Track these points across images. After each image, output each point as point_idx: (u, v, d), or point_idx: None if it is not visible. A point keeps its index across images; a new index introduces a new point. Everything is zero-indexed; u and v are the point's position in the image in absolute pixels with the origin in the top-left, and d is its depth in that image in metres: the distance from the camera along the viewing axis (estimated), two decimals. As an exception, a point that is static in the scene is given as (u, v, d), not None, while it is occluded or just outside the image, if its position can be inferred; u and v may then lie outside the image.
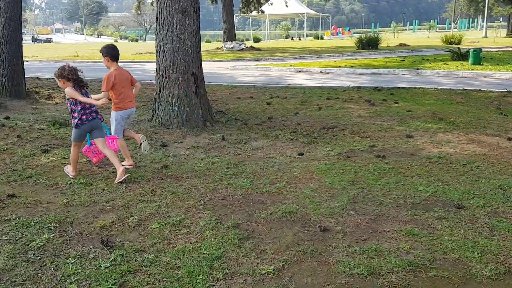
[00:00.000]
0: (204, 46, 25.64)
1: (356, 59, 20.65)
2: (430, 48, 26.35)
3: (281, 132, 6.75)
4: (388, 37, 33.53)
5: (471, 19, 77.50)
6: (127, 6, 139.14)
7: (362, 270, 2.86)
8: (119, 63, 5.10)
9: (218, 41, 44.65)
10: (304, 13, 53.14)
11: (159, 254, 3.10)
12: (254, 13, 40.52)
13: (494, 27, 59.73)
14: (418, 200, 4.03)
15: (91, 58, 23.90)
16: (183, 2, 6.83)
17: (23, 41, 10.15)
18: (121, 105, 5.06)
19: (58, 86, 6.41)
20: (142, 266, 2.95)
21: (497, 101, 9.15)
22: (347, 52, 24.53)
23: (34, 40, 64.09)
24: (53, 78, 8.74)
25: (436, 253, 3.08)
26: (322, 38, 51.26)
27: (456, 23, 68.86)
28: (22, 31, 10.23)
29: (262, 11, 41.34)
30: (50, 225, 3.58)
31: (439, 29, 74.55)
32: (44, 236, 3.37)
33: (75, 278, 2.81)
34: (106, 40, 72.64)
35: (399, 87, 11.34)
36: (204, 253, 3.10)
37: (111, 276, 2.83)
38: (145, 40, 75.65)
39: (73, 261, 3.02)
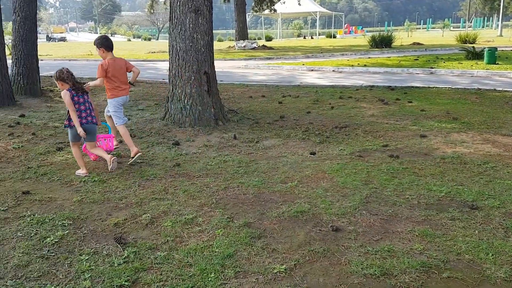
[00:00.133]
0: (216, 45, 25.66)
1: (369, 57, 20.51)
2: (444, 47, 26.06)
3: (293, 131, 6.74)
4: (402, 36, 33.22)
5: (486, 18, 76.53)
6: (140, 5, 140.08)
7: (375, 270, 2.84)
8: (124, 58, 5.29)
9: (230, 40, 44.70)
10: (316, 12, 52.93)
11: (172, 252, 3.12)
12: (267, 11, 40.45)
13: (510, 25, 58.92)
14: (432, 200, 3.99)
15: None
16: (196, 1, 6.84)
17: (38, 40, 10.27)
18: (114, 92, 5.37)
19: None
20: (154, 264, 2.97)
21: (513, 100, 9.02)
22: (360, 51, 24.38)
23: (49, 39, 64.79)
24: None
25: (450, 254, 3.05)
26: (334, 37, 51.01)
27: (471, 22, 68.01)
28: (37, 30, 10.36)
29: (275, 10, 41.29)
30: (65, 222, 3.62)
31: (453, 28, 73.80)
32: (58, 232, 3.41)
33: (89, 275, 2.84)
34: (120, 39, 73.14)
35: (412, 86, 11.24)
36: (216, 251, 3.11)
37: (124, 273, 2.85)
38: (157, 39, 76.00)
39: (86, 257, 3.05)
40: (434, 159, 5.21)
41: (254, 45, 29.45)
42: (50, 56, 26.09)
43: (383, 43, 26.31)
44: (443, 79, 13.28)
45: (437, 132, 6.49)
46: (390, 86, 11.26)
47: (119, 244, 3.23)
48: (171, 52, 7.12)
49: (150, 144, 6.02)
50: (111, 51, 5.34)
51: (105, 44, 5.29)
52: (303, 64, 17.84)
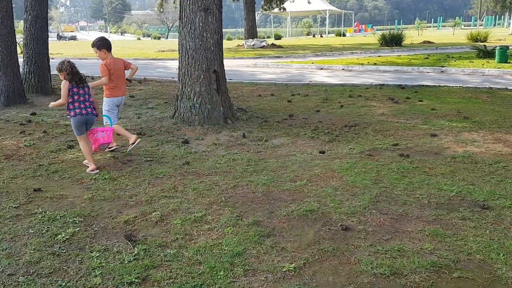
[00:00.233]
0: (225, 44, 25.68)
1: (379, 56, 20.39)
2: (455, 46, 25.84)
3: (302, 130, 6.73)
4: (412, 34, 32.94)
5: (497, 16, 75.66)
6: (150, 4, 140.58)
7: (385, 270, 2.83)
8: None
9: (239, 39, 44.67)
10: (326, 10, 52.69)
11: (181, 250, 3.14)
12: (276, 10, 40.39)
13: (522, 24, 58.15)
14: (443, 200, 3.96)
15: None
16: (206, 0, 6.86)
17: (49, 39, 10.36)
18: (112, 92, 5.51)
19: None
20: (164, 261, 2.99)
21: (525, 99, 8.93)
22: (370, 49, 24.26)
23: (59, 37, 65.25)
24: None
25: (461, 254, 3.03)
26: (344, 35, 50.73)
27: (482, 20, 67.33)
28: (48, 28, 10.44)
29: (284, 8, 41.19)
30: (75, 219, 3.65)
31: (464, 26, 73.01)
32: (69, 229, 3.44)
33: (99, 271, 2.86)
34: (129, 37, 73.51)
35: (423, 85, 11.16)
36: (225, 250, 3.12)
37: (134, 270, 2.87)
38: (167, 38, 76.27)
39: (97, 254, 3.08)
40: (444, 158, 5.18)
41: (263, 43, 29.42)
42: (61, 55, 26.27)
43: (393, 41, 26.14)
44: (454, 77, 13.17)
45: (447, 131, 6.44)
46: (401, 85, 11.18)
47: (129, 241, 3.25)
48: (180, 50, 7.15)
49: (159, 142, 6.04)
50: (111, 52, 5.59)
51: (106, 45, 5.53)
52: (312, 63, 17.79)
